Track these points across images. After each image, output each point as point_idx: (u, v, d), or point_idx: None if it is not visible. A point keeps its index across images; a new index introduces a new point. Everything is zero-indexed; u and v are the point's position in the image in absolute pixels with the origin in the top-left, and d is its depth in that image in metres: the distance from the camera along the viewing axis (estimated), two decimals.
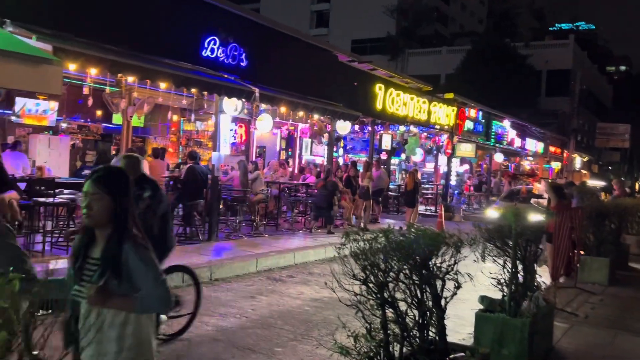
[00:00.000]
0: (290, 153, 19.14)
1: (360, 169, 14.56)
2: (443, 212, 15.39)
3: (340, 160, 20.43)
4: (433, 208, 20.03)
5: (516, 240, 4.74)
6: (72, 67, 8.05)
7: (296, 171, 17.54)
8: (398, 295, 3.26)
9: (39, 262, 7.55)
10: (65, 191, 9.31)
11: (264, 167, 13.95)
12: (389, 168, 19.78)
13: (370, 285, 3.06)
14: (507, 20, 51.92)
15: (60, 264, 7.54)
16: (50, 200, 8.27)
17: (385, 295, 3.04)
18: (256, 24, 11.66)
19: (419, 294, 3.23)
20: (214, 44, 10.23)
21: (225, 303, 6.88)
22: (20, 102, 12.72)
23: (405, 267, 3.12)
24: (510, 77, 39.45)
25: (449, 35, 55.14)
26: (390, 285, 3.10)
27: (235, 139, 15.30)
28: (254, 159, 14.00)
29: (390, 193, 18.11)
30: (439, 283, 3.41)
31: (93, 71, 8.57)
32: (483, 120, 23.86)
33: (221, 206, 11.09)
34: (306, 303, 7.14)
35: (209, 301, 6.90)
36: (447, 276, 3.44)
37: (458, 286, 3.37)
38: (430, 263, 3.32)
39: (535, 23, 61.90)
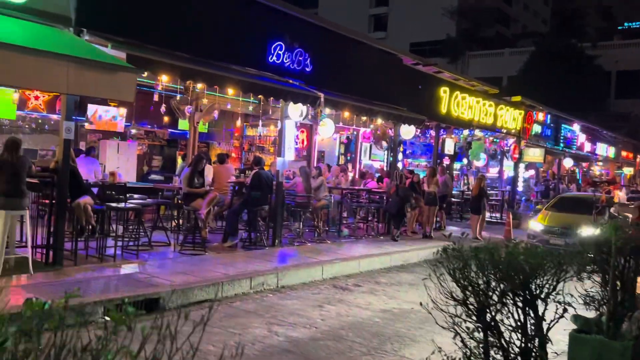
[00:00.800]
0: (349, 158, 18.96)
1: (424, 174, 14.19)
2: (511, 220, 14.77)
3: (400, 165, 20.05)
4: (498, 215, 19.33)
5: (616, 256, 4.34)
6: (143, 74, 8.15)
7: (357, 176, 17.34)
8: (498, 317, 2.98)
9: (110, 266, 7.69)
10: (135, 196, 9.49)
11: (327, 173, 13.77)
12: (452, 173, 19.24)
13: (470, 307, 2.79)
14: (572, 20, 49.83)
15: (130, 269, 7.65)
16: (122, 205, 8.40)
17: (487, 318, 2.77)
18: (321, 28, 11.53)
19: (521, 318, 2.94)
20: (280, 49, 10.17)
21: (294, 312, 6.74)
22: (91, 109, 13.15)
23: (507, 288, 2.84)
24: (576, 78, 37.85)
25: (511, 36, 53.50)
26: (492, 307, 2.82)
27: (297, 144, 15.26)
28: (316, 164, 13.89)
29: (452, 199, 17.59)
30: (540, 305, 3.12)
31: (164, 78, 8.66)
32: (551, 124, 22.87)
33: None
34: (376, 314, 6.90)
35: (277, 309, 6.79)
36: (550, 297, 3.14)
37: (565, 309, 3.05)
38: (532, 283, 3.02)
39: (603, 22, 59.09)
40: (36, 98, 12.56)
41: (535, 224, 13.01)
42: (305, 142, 15.97)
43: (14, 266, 6.93)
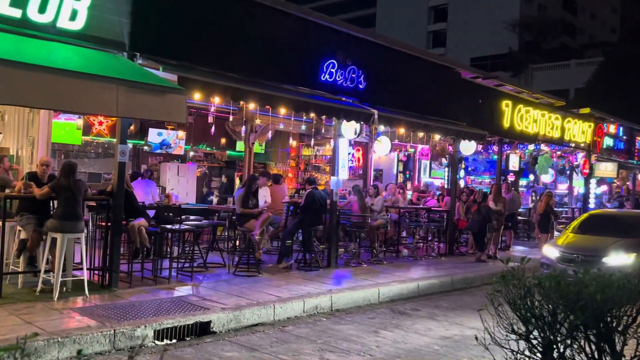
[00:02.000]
0: (407, 175, 18.56)
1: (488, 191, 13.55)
2: None
3: (461, 183, 19.44)
4: None
5: None
6: (196, 96, 8.20)
7: (415, 195, 16.87)
8: (567, 352, 2.58)
9: (164, 288, 7.67)
10: (191, 217, 9.51)
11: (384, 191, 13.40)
12: (518, 190, 18.38)
13: (534, 341, 2.42)
14: None
15: (183, 291, 7.60)
16: (177, 226, 8.41)
17: (555, 354, 2.39)
18: (374, 44, 11.33)
19: (595, 354, 2.53)
20: (333, 67, 10.04)
21: (348, 337, 6.43)
22: (152, 132, 13.49)
23: (577, 320, 2.45)
24: None
25: (577, 47, 51.42)
26: (560, 342, 2.44)
27: (352, 163, 15.05)
28: (373, 183, 13.57)
29: (519, 217, 16.77)
30: (618, 339, 2.69)
31: (216, 99, 8.68)
32: (624, 137, 21.55)
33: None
34: (435, 341, 6.47)
35: (330, 334, 6.51)
36: (629, 330, 2.71)
37: None
38: (607, 315, 2.61)
39: None
40: (100, 123, 13.01)
41: (550, 249, 10.08)
42: (361, 161, 15.73)
43: (71, 288, 7.02)
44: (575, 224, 11.17)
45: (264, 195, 10.15)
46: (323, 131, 12.46)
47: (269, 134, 11.60)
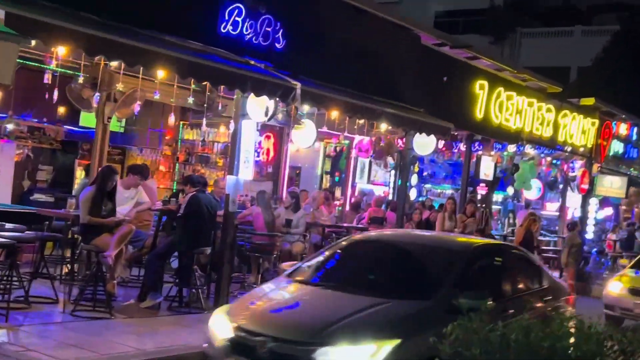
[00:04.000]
0: (337, 179, 19.02)
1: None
2: (574, 282, 14.96)
3: (413, 192, 20.21)
4: (557, 273, 19.51)
5: None
6: (30, 43, 8.23)
7: (347, 208, 17.44)
8: None
9: None
10: (7, 225, 9.44)
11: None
12: (491, 208, 19.36)
13: None
14: None
15: None
16: None
17: None
18: None
19: None
20: (239, 14, 10.30)
21: None
22: None
23: None
24: None
25: (585, 9, 54.55)
26: None
27: (259, 156, 15.37)
28: (290, 189, 13.97)
29: None
30: None
31: (61, 50, 8.73)
32: None
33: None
34: None
35: None
36: None
37: None
38: None
39: None
40: None
41: (221, 321, 6.93)
42: (271, 153, 16.10)
43: None
44: (315, 262, 8.32)
45: (139, 198, 10.33)
46: (220, 107, 12.69)
47: (136, 106, 11.62)
